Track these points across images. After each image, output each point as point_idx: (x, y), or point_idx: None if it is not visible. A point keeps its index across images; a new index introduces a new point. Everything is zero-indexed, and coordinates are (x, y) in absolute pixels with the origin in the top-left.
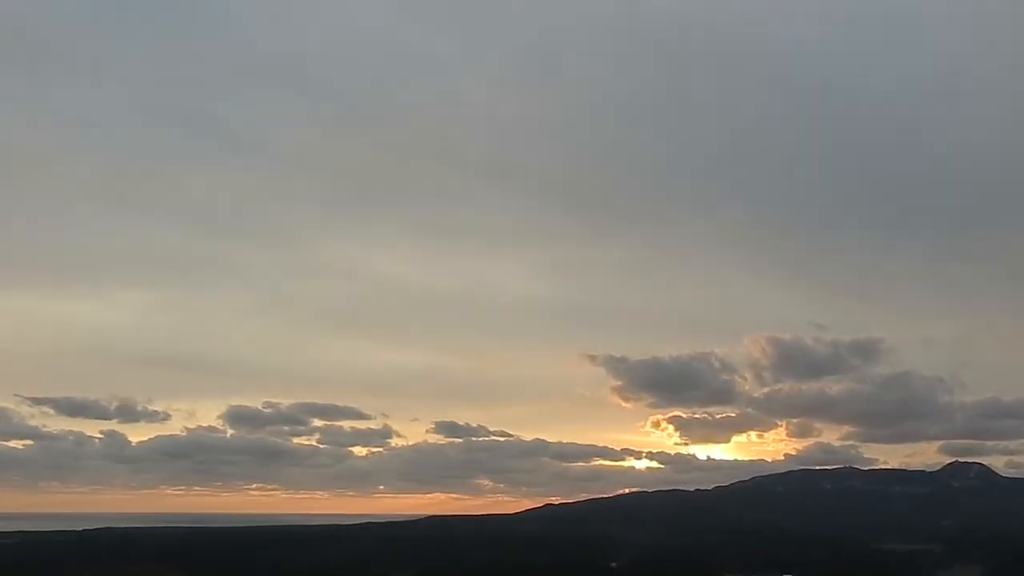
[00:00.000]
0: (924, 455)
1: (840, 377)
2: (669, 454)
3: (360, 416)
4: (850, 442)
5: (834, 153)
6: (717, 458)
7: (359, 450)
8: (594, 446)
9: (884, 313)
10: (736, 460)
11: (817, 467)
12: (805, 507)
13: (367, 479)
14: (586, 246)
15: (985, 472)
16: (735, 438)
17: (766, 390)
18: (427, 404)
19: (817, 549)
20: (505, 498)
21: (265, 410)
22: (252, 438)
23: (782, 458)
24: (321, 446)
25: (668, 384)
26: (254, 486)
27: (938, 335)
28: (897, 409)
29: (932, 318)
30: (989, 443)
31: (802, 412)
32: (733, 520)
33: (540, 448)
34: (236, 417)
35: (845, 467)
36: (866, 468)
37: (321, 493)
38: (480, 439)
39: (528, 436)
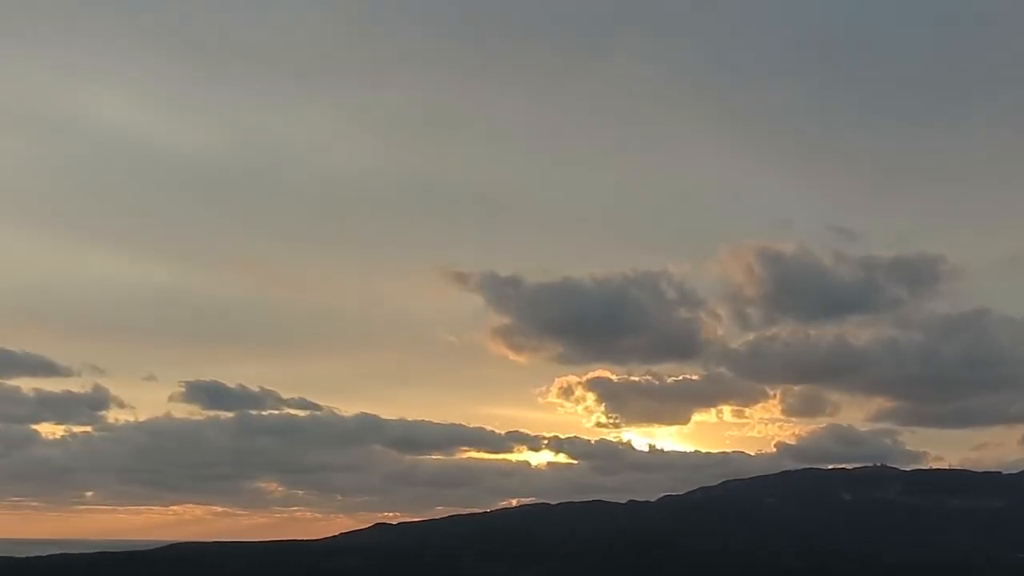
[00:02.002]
0: (1001, 447)
1: (872, 317)
2: (587, 442)
3: (50, 370)
4: (884, 425)
5: None
6: (668, 450)
7: (49, 431)
8: (461, 427)
9: (946, 218)
10: (699, 453)
11: (830, 466)
12: (810, 533)
13: (63, 481)
14: (453, 91)
15: None
16: (698, 416)
17: (750, 337)
18: (170, 352)
19: None
20: (307, 514)
21: None
22: None
23: (773, 450)
24: None
25: (588, 325)
26: None
27: None
28: (963, 372)
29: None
30: None
31: (808, 375)
32: (691, 554)
33: (369, 429)
34: None
35: (875, 466)
36: (908, 468)
37: None
38: (265, 413)
39: (349, 409)
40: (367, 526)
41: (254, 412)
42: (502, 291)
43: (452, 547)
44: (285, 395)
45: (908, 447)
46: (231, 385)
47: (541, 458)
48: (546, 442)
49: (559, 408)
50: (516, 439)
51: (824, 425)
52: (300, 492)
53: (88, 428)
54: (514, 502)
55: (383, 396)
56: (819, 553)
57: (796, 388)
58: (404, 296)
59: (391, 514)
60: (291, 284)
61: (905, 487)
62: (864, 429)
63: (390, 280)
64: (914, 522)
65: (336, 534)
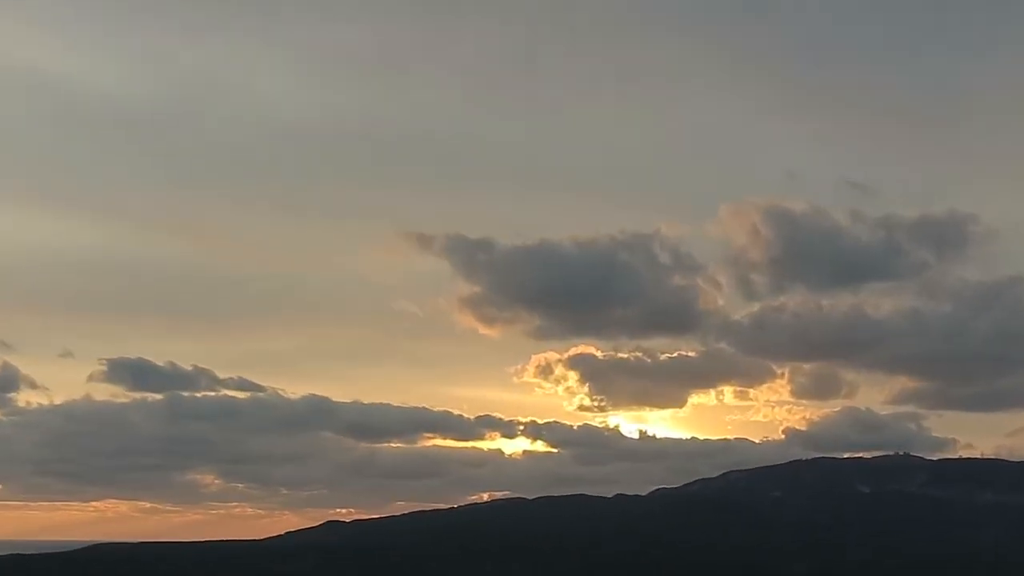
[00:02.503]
0: None
1: (894, 285)
2: (569, 428)
3: None
4: (907, 408)
5: None
6: (661, 436)
7: None
8: (426, 411)
9: (978, 171)
10: (697, 441)
11: (846, 454)
12: (822, 530)
13: None
14: (412, 27)
15: None
16: (695, 398)
17: (755, 308)
18: (89, 325)
19: None
20: (248, 510)
21: None
22: None
23: (781, 437)
24: None
25: (570, 294)
26: None
27: None
28: (997, 348)
29: None
30: None
31: (821, 351)
32: (687, 554)
33: (319, 413)
34: None
35: (897, 455)
36: (934, 457)
37: None
38: (199, 395)
39: (296, 390)
40: (317, 524)
41: (186, 394)
42: (471, 256)
43: (415, 548)
44: (222, 374)
45: (934, 433)
46: (159, 363)
47: (516, 446)
48: (522, 428)
49: (536, 389)
50: (487, 424)
51: (839, 408)
52: (240, 485)
53: None
54: (485, 496)
55: (335, 375)
56: (831, 553)
57: (807, 366)
58: (358, 262)
59: (344, 510)
60: (229, 248)
61: (930, 478)
62: (884, 413)
63: (342, 243)
64: (940, 517)
65: (282, 533)
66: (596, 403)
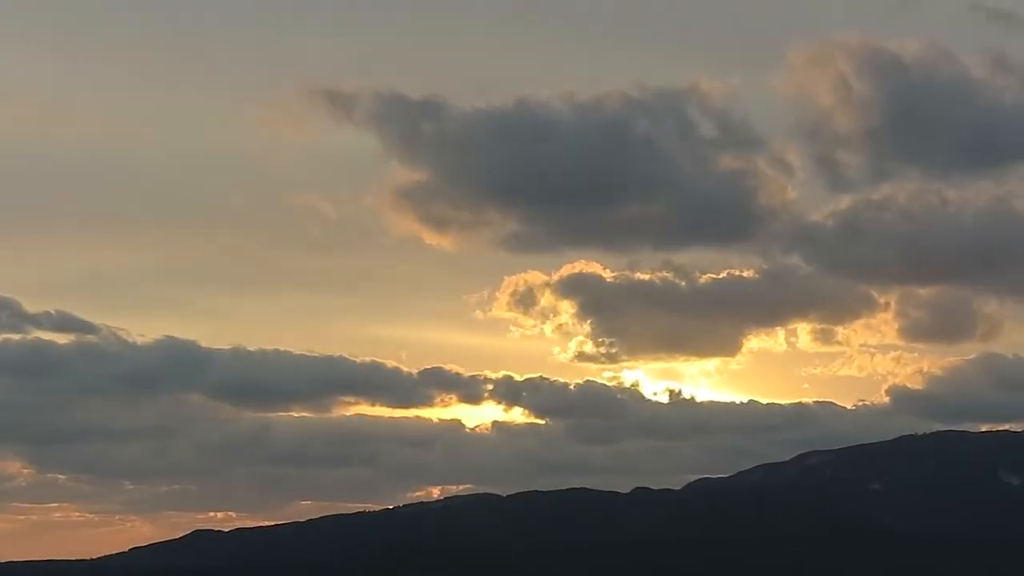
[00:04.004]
0: None
1: None
2: (562, 388)
3: None
4: None
5: None
6: (702, 400)
7: None
8: (344, 363)
9: None
10: (757, 407)
11: (983, 427)
12: (947, 538)
13: None
14: None
15: None
16: (752, 342)
17: (844, 204)
18: None
19: None
20: (74, 515)
21: None
22: None
23: (885, 400)
24: None
25: (562, 183)
26: None
27: None
28: None
29: None
30: None
31: (944, 269)
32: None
33: (180, 365)
34: None
35: None
36: None
37: None
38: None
39: (144, 330)
40: (179, 536)
41: (18, 337)
42: (411, 125)
43: (329, 570)
44: (31, 307)
45: None
46: None
47: (482, 416)
48: (490, 388)
49: (512, 329)
50: (438, 383)
51: (972, 356)
52: (61, 477)
53: None
54: (435, 493)
55: (204, 309)
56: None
57: (923, 292)
58: (241, 137)
59: (221, 515)
60: (42, 120)
61: None
62: None
63: (215, 110)
64: None
65: (125, 550)
66: (603, 350)
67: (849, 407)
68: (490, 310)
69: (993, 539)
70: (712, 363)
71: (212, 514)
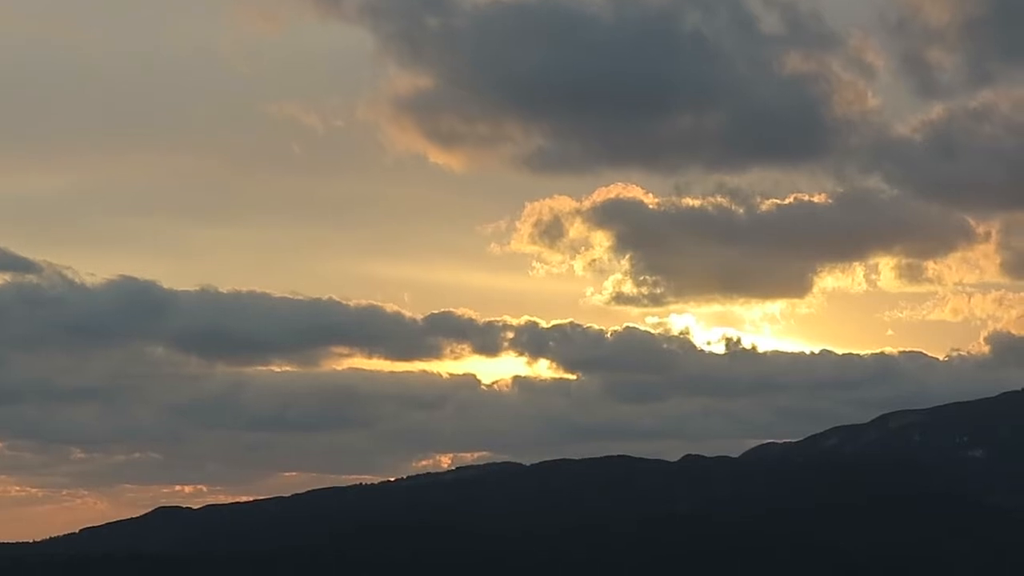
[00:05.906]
0: None
1: None
2: (597, 334)
3: None
4: None
5: None
6: (765, 349)
7: None
8: (335, 306)
9: None
10: (832, 357)
11: None
12: None
13: None
14: None
15: None
16: (826, 280)
17: (936, 113)
18: None
19: None
20: (14, 489)
21: None
22: None
23: (984, 349)
24: None
25: (596, 90)
26: None
27: None
28: None
29: None
30: None
31: None
32: (818, 568)
33: (140, 309)
34: None
35: None
36: None
37: None
38: None
39: (96, 268)
40: (140, 514)
41: None
42: (413, 19)
43: (317, 555)
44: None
45: None
46: None
47: (501, 369)
48: (510, 336)
49: (536, 265)
50: (447, 330)
51: None
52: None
53: None
54: (445, 462)
55: (167, 243)
56: None
57: None
58: (211, 34)
59: (189, 488)
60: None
61: None
62: None
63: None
64: None
65: (75, 531)
66: (646, 290)
67: (942, 358)
68: (509, 243)
69: None
70: (777, 306)
71: (178, 488)
